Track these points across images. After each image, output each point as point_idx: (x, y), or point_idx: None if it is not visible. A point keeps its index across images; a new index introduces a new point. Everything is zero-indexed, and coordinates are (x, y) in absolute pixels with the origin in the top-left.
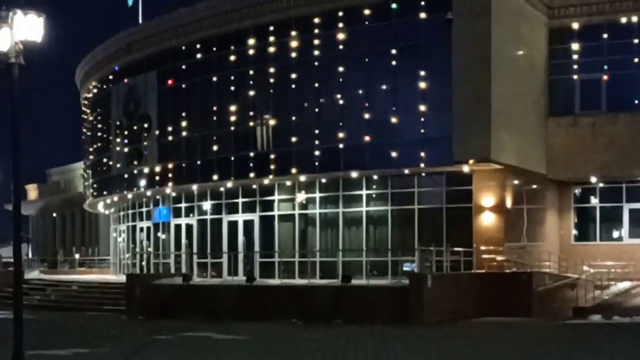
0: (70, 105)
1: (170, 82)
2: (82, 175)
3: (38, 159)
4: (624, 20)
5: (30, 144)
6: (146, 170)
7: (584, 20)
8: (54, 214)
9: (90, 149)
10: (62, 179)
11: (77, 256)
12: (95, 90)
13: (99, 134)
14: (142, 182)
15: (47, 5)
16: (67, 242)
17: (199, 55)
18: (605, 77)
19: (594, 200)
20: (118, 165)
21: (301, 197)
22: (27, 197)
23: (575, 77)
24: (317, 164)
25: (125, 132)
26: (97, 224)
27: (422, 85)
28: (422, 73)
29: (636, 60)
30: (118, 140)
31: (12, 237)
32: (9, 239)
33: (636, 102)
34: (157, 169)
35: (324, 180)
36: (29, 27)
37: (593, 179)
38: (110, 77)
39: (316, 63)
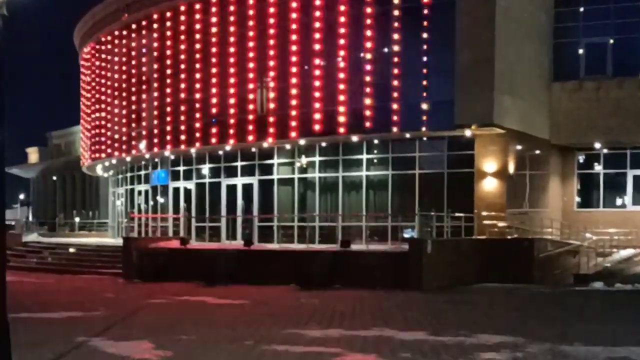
0: (73, 67)
1: (169, 42)
2: (80, 138)
3: (39, 121)
4: None
5: (31, 107)
6: (144, 132)
7: None
8: (54, 177)
9: (89, 111)
10: (63, 142)
11: (77, 219)
12: (93, 51)
13: (98, 95)
14: (140, 145)
15: None
16: (67, 206)
17: (197, 16)
18: (611, 41)
19: (598, 167)
20: (116, 127)
21: (302, 161)
22: (28, 159)
23: (580, 40)
24: (317, 127)
25: (124, 94)
26: (97, 187)
27: (425, 47)
28: (425, 35)
29: None
30: (116, 101)
31: (15, 201)
32: (11, 203)
33: None
34: (155, 131)
35: (323, 144)
36: None
37: (597, 145)
38: (109, 37)
39: (317, 24)
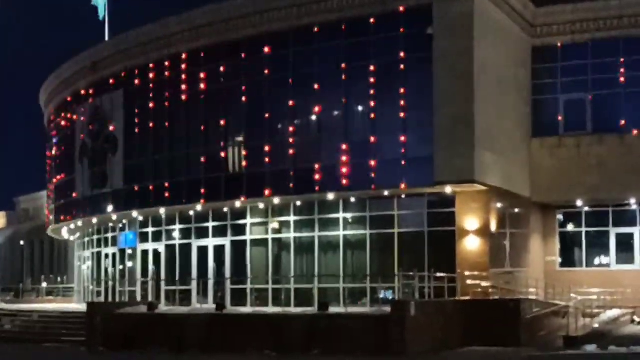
0: (40, 130)
1: (137, 100)
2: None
3: (7, 186)
4: (607, 39)
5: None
6: (111, 193)
7: (567, 38)
8: (22, 242)
9: (54, 172)
10: (31, 207)
11: (44, 285)
12: (59, 111)
13: (63, 156)
14: (107, 206)
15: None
16: (36, 271)
17: (167, 73)
18: (590, 97)
19: (580, 225)
20: (82, 189)
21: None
22: None
23: (559, 97)
24: (291, 185)
25: (90, 154)
26: (66, 252)
27: (402, 103)
28: (402, 90)
29: (622, 79)
30: (83, 162)
31: None
32: None
33: (622, 122)
34: (123, 192)
35: (298, 203)
36: None
37: (579, 203)
38: (75, 97)
39: (290, 80)
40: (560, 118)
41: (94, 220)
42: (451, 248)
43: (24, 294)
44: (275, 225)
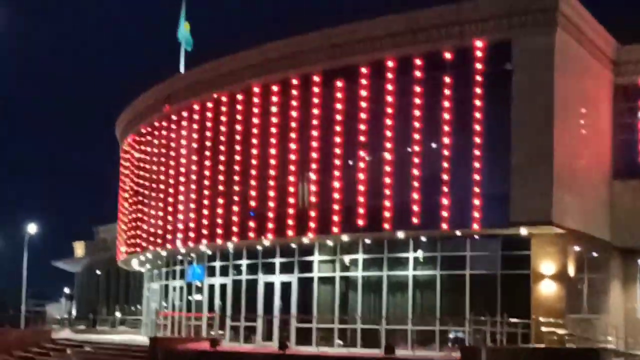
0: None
1: (209, 133)
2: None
3: (87, 215)
4: None
5: (79, 201)
6: (180, 226)
7: None
8: (99, 272)
9: (126, 204)
10: (109, 237)
11: (118, 315)
12: (133, 143)
13: (135, 187)
14: (176, 239)
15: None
16: (111, 301)
17: (238, 106)
18: None
19: None
20: (152, 220)
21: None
22: (74, 253)
23: None
24: (360, 222)
25: (161, 186)
26: (140, 282)
27: (477, 139)
28: (477, 127)
29: None
30: (153, 194)
31: (60, 294)
32: (57, 296)
33: None
34: (192, 224)
35: (367, 241)
36: None
37: None
38: (149, 128)
39: (362, 115)
40: None
41: (163, 253)
42: (525, 292)
43: (99, 323)
44: (344, 262)
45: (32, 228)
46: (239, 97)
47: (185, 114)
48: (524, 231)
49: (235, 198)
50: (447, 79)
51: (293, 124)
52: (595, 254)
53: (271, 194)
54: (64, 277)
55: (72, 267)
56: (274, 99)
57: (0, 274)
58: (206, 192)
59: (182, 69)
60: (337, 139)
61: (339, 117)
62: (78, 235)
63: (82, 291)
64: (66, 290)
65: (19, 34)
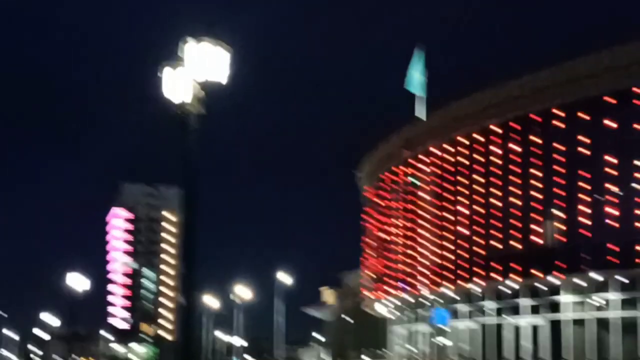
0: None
1: (447, 175)
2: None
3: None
4: None
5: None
6: (423, 270)
7: None
8: (346, 317)
9: (370, 250)
10: (354, 283)
11: (365, 358)
12: (374, 190)
13: (380, 234)
14: (421, 283)
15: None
16: (361, 347)
17: (478, 147)
18: None
19: None
20: (398, 265)
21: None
22: (321, 299)
23: None
24: (612, 259)
25: (407, 232)
26: (385, 327)
27: None
28: None
29: None
30: (398, 240)
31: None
32: (305, 340)
33: None
34: (435, 267)
35: (621, 279)
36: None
37: None
38: (389, 175)
39: (610, 147)
40: None
41: (408, 297)
42: None
43: None
44: (595, 302)
45: (282, 277)
46: (477, 137)
47: (422, 157)
48: None
49: (479, 239)
50: None
51: (535, 161)
52: None
53: (515, 233)
54: (314, 323)
55: (321, 313)
56: (514, 137)
57: (257, 324)
58: (448, 235)
59: (420, 115)
60: (584, 173)
61: (583, 151)
62: (325, 282)
63: (332, 337)
64: (317, 335)
65: None
